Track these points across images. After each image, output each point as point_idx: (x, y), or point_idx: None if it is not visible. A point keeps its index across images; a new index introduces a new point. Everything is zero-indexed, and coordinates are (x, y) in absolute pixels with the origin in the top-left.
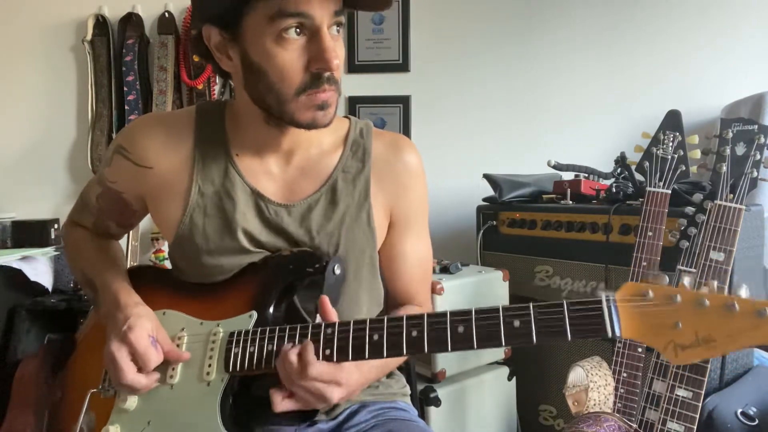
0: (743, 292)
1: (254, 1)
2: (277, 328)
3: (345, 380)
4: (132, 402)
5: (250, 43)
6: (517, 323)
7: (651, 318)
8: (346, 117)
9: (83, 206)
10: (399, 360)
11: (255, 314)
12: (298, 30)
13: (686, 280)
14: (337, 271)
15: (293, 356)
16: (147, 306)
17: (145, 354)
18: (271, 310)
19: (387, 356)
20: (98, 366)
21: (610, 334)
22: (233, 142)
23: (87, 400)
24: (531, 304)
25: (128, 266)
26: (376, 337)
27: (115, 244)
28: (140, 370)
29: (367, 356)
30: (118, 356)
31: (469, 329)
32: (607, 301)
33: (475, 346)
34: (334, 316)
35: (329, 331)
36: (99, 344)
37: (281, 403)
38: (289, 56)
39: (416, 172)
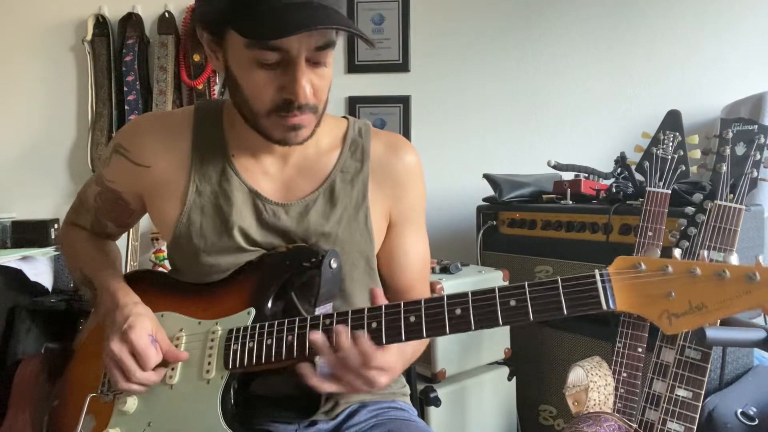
0: (733, 260)
1: (231, 28)
2: (276, 322)
3: (391, 365)
4: (132, 404)
5: (231, 55)
6: (513, 302)
7: (644, 289)
8: (344, 117)
9: (81, 206)
10: (425, 343)
11: (253, 311)
12: (274, 59)
13: (677, 252)
14: (334, 265)
15: (353, 349)
16: (146, 305)
17: (144, 352)
18: (269, 305)
19: (386, 343)
20: (97, 371)
21: (605, 307)
22: (231, 141)
23: (86, 405)
24: (526, 283)
25: (126, 269)
26: (374, 324)
27: (113, 245)
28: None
29: None
30: (119, 354)
31: (466, 311)
32: (601, 275)
33: (473, 327)
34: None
35: (327, 321)
36: (97, 350)
37: (324, 384)
38: (263, 78)
39: (415, 172)
